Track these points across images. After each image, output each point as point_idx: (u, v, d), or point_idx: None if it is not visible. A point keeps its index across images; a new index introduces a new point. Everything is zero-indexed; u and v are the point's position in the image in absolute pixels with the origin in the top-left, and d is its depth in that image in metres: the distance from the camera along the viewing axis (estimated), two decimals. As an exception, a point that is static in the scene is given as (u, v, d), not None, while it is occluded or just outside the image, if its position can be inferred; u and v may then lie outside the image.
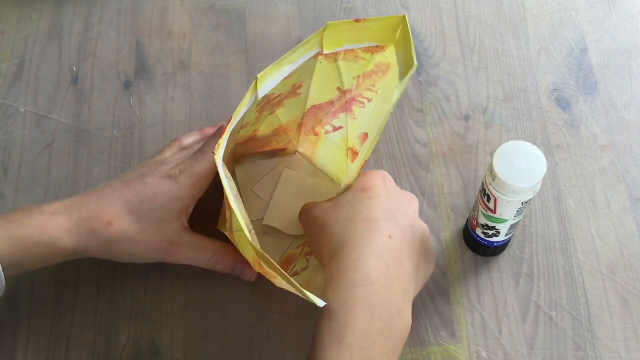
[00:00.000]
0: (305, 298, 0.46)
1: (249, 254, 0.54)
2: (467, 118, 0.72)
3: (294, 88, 0.58)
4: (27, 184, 0.69)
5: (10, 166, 0.70)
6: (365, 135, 0.60)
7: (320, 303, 0.47)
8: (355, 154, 0.61)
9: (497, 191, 0.55)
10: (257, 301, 0.63)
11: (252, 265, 0.58)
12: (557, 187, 0.68)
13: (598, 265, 0.65)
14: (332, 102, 0.60)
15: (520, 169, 0.54)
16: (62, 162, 0.70)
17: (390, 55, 0.55)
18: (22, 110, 0.73)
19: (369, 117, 0.59)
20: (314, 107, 0.62)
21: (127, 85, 0.74)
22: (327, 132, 0.64)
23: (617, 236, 0.66)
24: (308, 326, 0.57)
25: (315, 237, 0.56)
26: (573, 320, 0.62)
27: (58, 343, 0.62)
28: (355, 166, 0.57)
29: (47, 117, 0.72)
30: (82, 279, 0.64)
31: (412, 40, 0.53)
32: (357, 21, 0.53)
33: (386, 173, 0.58)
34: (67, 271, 0.65)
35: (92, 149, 0.71)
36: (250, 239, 0.47)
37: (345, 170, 0.65)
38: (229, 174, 0.53)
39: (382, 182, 0.56)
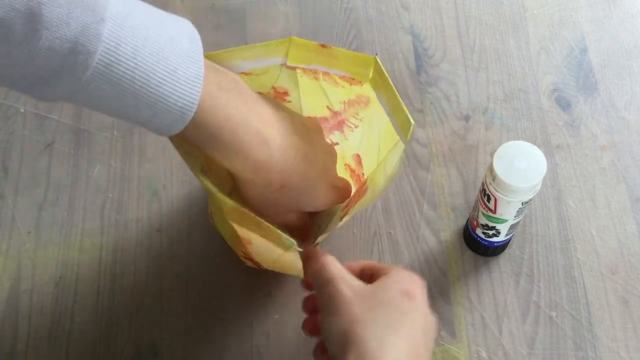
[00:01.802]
0: (279, 239, 0.47)
1: (228, 231, 0.55)
2: (467, 118, 0.72)
3: (276, 91, 0.58)
4: (27, 184, 0.69)
5: (10, 166, 0.70)
6: (358, 157, 0.60)
7: (293, 243, 0.48)
8: (352, 170, 0.61)
9: (497, 191, 0.55)
10: (257, 301, 0.63)
11: (233, 246, 0.58)
12: (557, 187, 0.68)
13: (598, 265, 0.65)
14: (326, 119, 0.60)
15: (520, 169, 0.54)
16: (62, 162, 0.70)
17: (368, 91, 0.55)
18: (22, 110, 0.73)
19: (358, 140, 0.59)
20: (310, 118, 0.62)
21: (127, 85, 0.74)
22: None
23: (617, 236, 0.66)
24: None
25: (336, 320, 0.48)
26: (573, 320, 0.62)
27: (58, 343, 0.62)
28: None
29: (47, 117, 0.72)
30: (82, 279, 0.64)
31: (396, 93, 0.52)
32: (322, 45, 0.54)
33: (425, 283, 0.52)
34: (67, 271, 0.65)
35: (92, 149, 0.71)
36: (222, 197, 0.48)
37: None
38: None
39: (422, 294, 0.50)
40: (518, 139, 0.69)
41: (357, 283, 0.50)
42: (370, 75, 0.54)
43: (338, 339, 0.47)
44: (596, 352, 0.61)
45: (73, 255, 0.65)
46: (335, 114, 0.59)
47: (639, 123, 0.72)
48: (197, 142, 0.47)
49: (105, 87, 0.40)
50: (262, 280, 0.64)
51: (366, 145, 0.58)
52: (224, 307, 0.63)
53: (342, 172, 0.64)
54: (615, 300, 0.63)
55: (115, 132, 0.71)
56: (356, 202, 0.55)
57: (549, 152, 0.70)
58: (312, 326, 0.55)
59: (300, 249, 0.51)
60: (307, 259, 0.53)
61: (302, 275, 0.53)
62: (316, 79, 0.56)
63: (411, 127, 0.50)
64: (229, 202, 0.48)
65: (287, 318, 0.62)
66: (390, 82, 0.52)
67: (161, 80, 0.41)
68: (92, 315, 0.63)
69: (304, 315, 0.56)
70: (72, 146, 0.71)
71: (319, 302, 0.51)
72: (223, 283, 0.64)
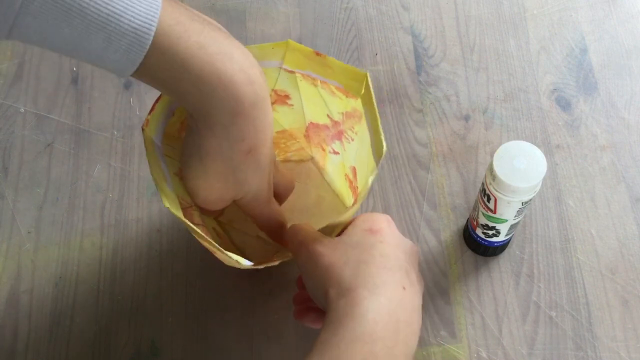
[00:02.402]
0: (225, 257, 0.47)
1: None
2: (467, 118, 0.72)
3: (277, 94, 0.58)
4: (27, 184, 0.69)
5: (10, 166, 0.70)
6: (354, 169, 0.60)
7: (244, 262, 0.48)
8: (350, 181, 0.61)
9: (497, 191, 0.55)
10: (257, 301, 0.63)
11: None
12: (557, 187, 0.68)
13: (598, 265, 0.65)
14: (327, 127, 0.60)
15: (520, 169, 0.54)
16: (62, 162, 0.70)
17: (360, 106, 0.55)
18: (22, 110, 0.73)
19: (354, 153, 0.59)
20: (312, 124, 0.62)
21: (127, 85, 0.74)
22: (329, 152, 0.64)
23: (617, 236, 0.66)
24: (308, 326, 0.57)
25: (316, 274, 0.50)
26: (573, 320, 0.62)
27: (58, 343, 0.62)
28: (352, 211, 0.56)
29: (47, 117, 0.72)
30: (82, 279, 0.64)
31: (377, 115, 0.52)
32: (317, 53, 0.54)
33: (389, 217, 0.54)
34: (67, 271, 0.65)
35: (92, 149, 0.71)
36: (176, 213, 0.47)
37: (346, 191, 0.64)
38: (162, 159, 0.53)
39: (389, 227, 0.52)
40: (518, 139, 0.69)
41: (327, 239, 0.51)
42: (363, 91, 0.54)
43: (320, 290, 0.49)
44: (596, 352, 0.61)
45: (73, 255, 0.65)
46: (336, 123, 0.59)
47: (639, 123, 0.72)
48: (164, 78, 0.42)
49: (50, 6, 0.37)
50: (262, 280, 0.64)
51: (359, 160, 0.58)
52: (224, 307, 0.63)
53: (342, 182, 0.64)
54: (615, 300, 0.63)
55: (115, 132, 0.71)
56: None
57: (549, 152, 0.70)
58: (300, 298, 0.57)
59: (251, 264, 0.50)
60: (286, 234, 0.54)
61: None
62: (314, 85, 0.57)
63: (383, 153, 0.51)
64: (179, 216, 0.47)
65: (286, 318, 0.62)
66: (375, 103, 0.52)
67: None
68: (92, 315, 0.63)
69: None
70: (72, 146, 0.71)
71: (299, 267, 0.52)
72: (223, 283, 0.64)
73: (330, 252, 0.50)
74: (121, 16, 0.38)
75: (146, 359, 0.61)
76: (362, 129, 0.56)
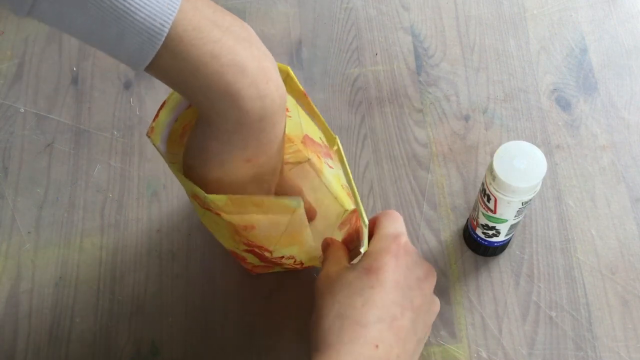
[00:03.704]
0: (284, 206, 0.47)
1: (223, 231, 0.55)
2: (467, 118, 0.72)
3: None
4: (27, 184, 0.69)
5: (10, 166, 0.70)
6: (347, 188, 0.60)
7: (299, 202, 0.48)
8: (349, 194, 0.61)
9: (497, 191, 0.55)
10: (257, 300, 0.63)
11: (231, 245, 0.58)
12: (557, 187, 0.68)
13: (598, 265, 0.65)
14: (320, 145, 0.61)
15: (520, 169, 0.54)
16: (62, 162, 0.70)
17: (335, 155, 0.55)
18: (22, 110, 0.73)
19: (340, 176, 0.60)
20: (308, 137, 0.62)
21: (127, 85, 0.74)
22: (324, 163, 0.64)
23: (617, 236, 0.66)
24: (307, 326, 0.57)
25: (315, 311, 0.50)
26: (573, 320, 0.62)
27: (58, 343, 0.62)
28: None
29: (47, 117, 0.72)
30: (82, 279, 0.64)
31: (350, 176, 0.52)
32: (304, 94, 0.54)
33: (403, 241, 0.51)
34: (67, 271, 0.65)
35: (92, 149, 0.71)
36: (212, 196, 0.47)
37: (344, 196, 0.64)
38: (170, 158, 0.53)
39: (395, 260, 0.49)
40: (518, 139, 0.69)
41: (338, 268, 0.51)
42: (335, 147, 0.53)
43: (312, 327, 0.49)
44: (596, 352, 0.61)
45: (73, 255, 0.66)
46: (325, 146, 0.59)
47: (639, 123, 0.72)
48: (174, 79, 0.42)
49: None
50: (262, 281, 0.64)
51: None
52: (224, 307, 0.63)
53: (339, 188, 0.64)
54: (615, 300, 0.63)
55: (115, 132, 0.71)
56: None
57: (549, 152, 0.70)
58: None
59: (298, 200, 0.49)
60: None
61: (307, 244, 0.53)
62: (305, 113, 0.57)
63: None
64: (221, 198, 0.47)
65: (287, 318, 0.63)
66: (347, 165, 0.52)
67: None
68: (92, 315, 0.63)
69: (303, 316, 0.56)
70: (72, 146, 0.71)
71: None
72: (223, 283, 0.64)
73: (325, 291, 0.49)
74: (135, 13, 0.38)
75: (146, 359, 0.61)
76: (335, 172, 0.56)
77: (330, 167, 0.62)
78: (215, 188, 0.48)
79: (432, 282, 0.52)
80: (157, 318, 0.63)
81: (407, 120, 0.72)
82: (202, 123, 0.46)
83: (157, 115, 0.52)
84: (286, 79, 0.53)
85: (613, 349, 0.61)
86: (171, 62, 0.41)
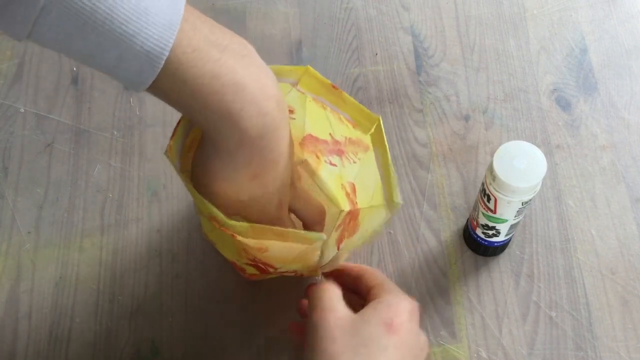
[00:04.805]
0: (305, 239, 0.47)
1: (230, 247, 0.54)
2: (467, 118, 0.72)
3: None
4: (27, 184, 0.69)
5: (10, 166, 0.70)
6: (352, 185, 0.60)
7: (320, 236, 0.47)
8: (347, 193, 0.61)
9: (497, 191, 0.55)
10: (257, 301, 0.63)
11: (235, 258, 0.57)
12: (557, 187, 0.68)
13: (598, 265, 0.65)
14: (326, 142, 0.60)
15: (520, 169, 0.54)
16: (62, 162, 0.70)
17: (369, 140, 0.55)
18: (22, 110, 0.73)
19: (355, 173, 0.59)
20: (311, 136, 0.62)
21: (127, 85, 0.74)
22: (325, 162, 0.64)
23: (617, 236, 0.66)
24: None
25: (315, 347, 0.47)
26: (573, 320, 0.62)
27: (58, 343, 0.62)
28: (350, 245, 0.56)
29: (47, 117, 0.72)
30: (82, 279, 0.64)
31: (390, 163, 0.52)
32: (333, 86, 0.54)
33: (415, 306, 0.50)
34: (67, 271, 0.65)
35: (92, 149, 0.71)
36: (233, 223, 0.46)
37: (341, 196, 0.64)
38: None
39: (410, 320, 0.48)
40: (518, 139, 0.69)
41: (344, 313, 0.48)
42: (372, 130, 0.53)
43: (306, 348, 0.47)
44: (596, 352, 0.61)
45: (73, 255, 0.66)
46: (336, 142, 0.59)
47: (639, 123, 0.72)
48: (175, 100, 0.42)
49: (65, 20, 0.37)
50: (262, 281, 0.64)
51: (360, 184, 0.58)
52: (224, 307, 0.63)
53: (337, 188, 0.64)
54: (615, 300, 0.63)
55: (115, 132, 0.71)
56: (348, 233, 0.55)
57: (549, 152, 0.70)
58: (297, 329, 0.55)
59: (325, 237, 0.49)
60: (308, 290, 0.52)
61: (314, 263, 0.53)
62: (324, 108, 0.57)
63: (396, 206, 0.50)
64: (244, 225, 0.46)
65: (287, 319, 0.62)
66: (387, 147, 0.52)
67: (127, 18, 0.37)
68: (92, 315, 0.63)
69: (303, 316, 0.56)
70: (72, 146, 0.71)
71: (306, 324, 0.49)
72: (223, 283, 0.64)
73: (339, 335, 0.46)
74: (134, 37, 0.38)
75: (146, 359, 0.61)
76: (367, 160, 0.56)
77: (333, 164, 0.62)
78: (224, 205, 0.48)
79: (426, 354, 0.51)
80: (157, 318, 0.63)
81: (407, 120, 0.72)
82: (205, 142, 0.46)
83: (174, 133, 0.50)
84: (302, 76, 0.53)
85: (613, 349, 0.61)
86: (171, 84, 0.40)
